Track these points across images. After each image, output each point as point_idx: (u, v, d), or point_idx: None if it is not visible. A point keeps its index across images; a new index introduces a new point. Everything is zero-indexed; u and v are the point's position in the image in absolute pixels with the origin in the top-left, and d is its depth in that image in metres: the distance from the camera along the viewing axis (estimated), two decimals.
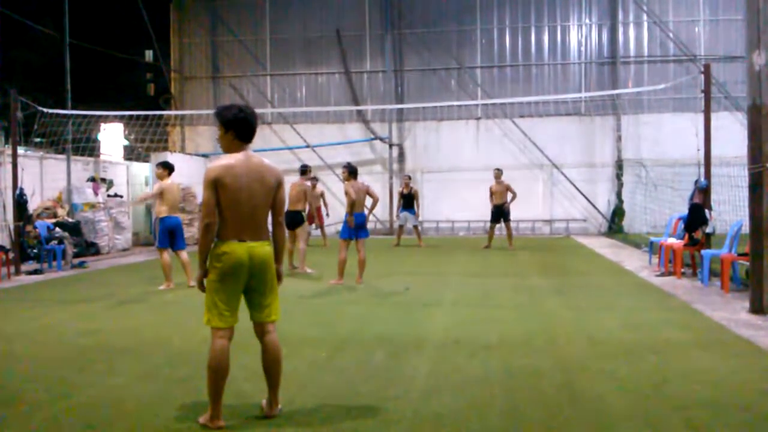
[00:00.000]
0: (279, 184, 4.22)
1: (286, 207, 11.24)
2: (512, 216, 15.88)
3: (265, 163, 4.19)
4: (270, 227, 4.25)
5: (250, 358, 5.54)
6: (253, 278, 4.10)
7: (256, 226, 4.11)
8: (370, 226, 19.79)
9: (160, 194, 9.67)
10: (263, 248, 4.12)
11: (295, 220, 11.17)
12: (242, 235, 4.05)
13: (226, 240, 4.04)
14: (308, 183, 11.96)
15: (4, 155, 13.28)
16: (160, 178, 9.83)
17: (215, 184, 3.99)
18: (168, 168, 9.90)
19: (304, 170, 12.29)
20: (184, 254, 9.91)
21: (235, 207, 4.02)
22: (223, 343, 4.03)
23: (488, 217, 15.83)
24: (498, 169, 15.69)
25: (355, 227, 9.88)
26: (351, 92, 21.36)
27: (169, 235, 9.80)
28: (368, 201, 10.45)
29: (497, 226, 15.68)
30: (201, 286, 4.13)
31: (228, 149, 4.16)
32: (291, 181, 20.07)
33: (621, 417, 4.14)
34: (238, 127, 4.11)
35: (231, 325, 4.09)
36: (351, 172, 10.02)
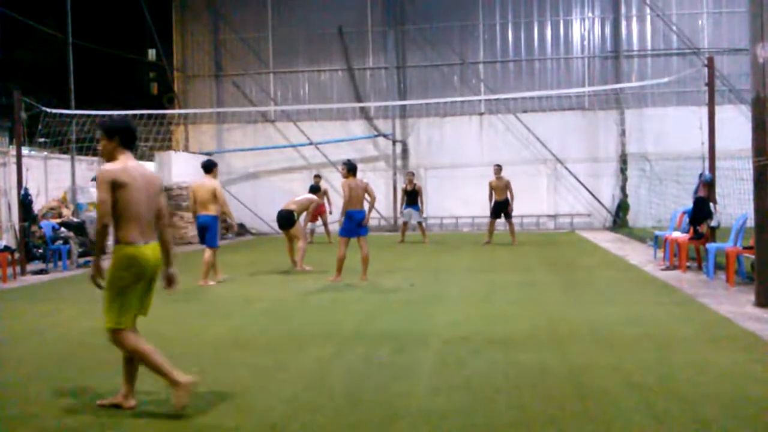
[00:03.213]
0: (161, 189, 4.50)
1: (282, 206, 11.35)
2: (516, 211, 15.86)
3: (149, 169, 4.53)
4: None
5: (252, 357, 5.58)
6: (150, 277, 4.32)
7: (151, 227, 4.33)
8: (374, 222, 20.06)
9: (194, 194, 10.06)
10: (158, 249, 4.36)
11: (288, 220, 11.13)
12: (145, 236, 4.26)
13: (134, 243, 4.20)
14: (316, 198, 12.17)
15: (8, 156, 13.32)
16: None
17: (113, 185, 4.14)
18: (203, 168, 10.16)
19: (317, 189, 12.95)
20: (207, 252, 9.97)
21: (137, 207, 4.21)
22: (135, 333, 4.28)
23: None
24: (498, 165, 15.65)
25: (356, 224, 9.85)
26: (354, 89, 21.35)
27: (200, 232, 10.06)
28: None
29: (498, 221, 15.68)
30: (98, 284, 4.25)
31: (111, 156, 4.32)
32: (290, 177, 20.52)
33: (626, 411, 4.14)
34: (123, 134, 4.35)
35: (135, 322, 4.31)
36: (350, 169, 9.97)
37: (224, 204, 9.96)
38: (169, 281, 4.50)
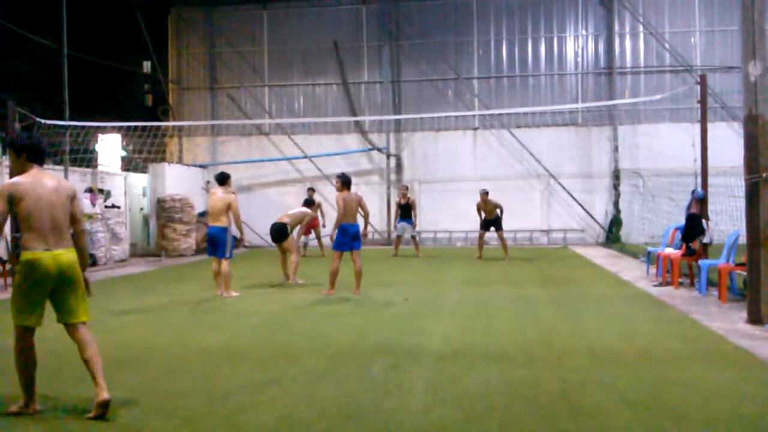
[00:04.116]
0: (73, 197, 4.68)
1: (275, 219, 11.37)
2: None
3: (58, 178, 4.74)
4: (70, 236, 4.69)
5: (244, 370, 5.54)
6: (61, 283, 4.51)
7: (59, 235, 4.52)
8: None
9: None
10: (68, 255, 4.54)
11: (281, 233, 11.13)
12: (47, 243, 4.45)
13: (33, 249, 4.42)
14: (310, 211, 12.19)
15: (1, 166, 13.27)
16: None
17: (10, 198, 4.41)
18: (216, 180, 10.39)
19: (311, 203, 12.92)
20: (223, 264, 10.05)
21: (37, 216, 4.43)
22: (31, 340, 4.57)
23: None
24: (485, 191, 15.59)
25: (350, 238, 9.85)
26: (349, 103, 21.41)
27: (211, 244, 10.14)
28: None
29: (487, 235, 15.70)
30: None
31: (20, 171, 4.58)
32: (284, 190, 20.51)
33: (619, 428, 4.14)
34: (30, 151, 4.59)
35: (40, 325, 4.57)
36: (344, 182, 10.00)
37: (237, 218, 10.07)
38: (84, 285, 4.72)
